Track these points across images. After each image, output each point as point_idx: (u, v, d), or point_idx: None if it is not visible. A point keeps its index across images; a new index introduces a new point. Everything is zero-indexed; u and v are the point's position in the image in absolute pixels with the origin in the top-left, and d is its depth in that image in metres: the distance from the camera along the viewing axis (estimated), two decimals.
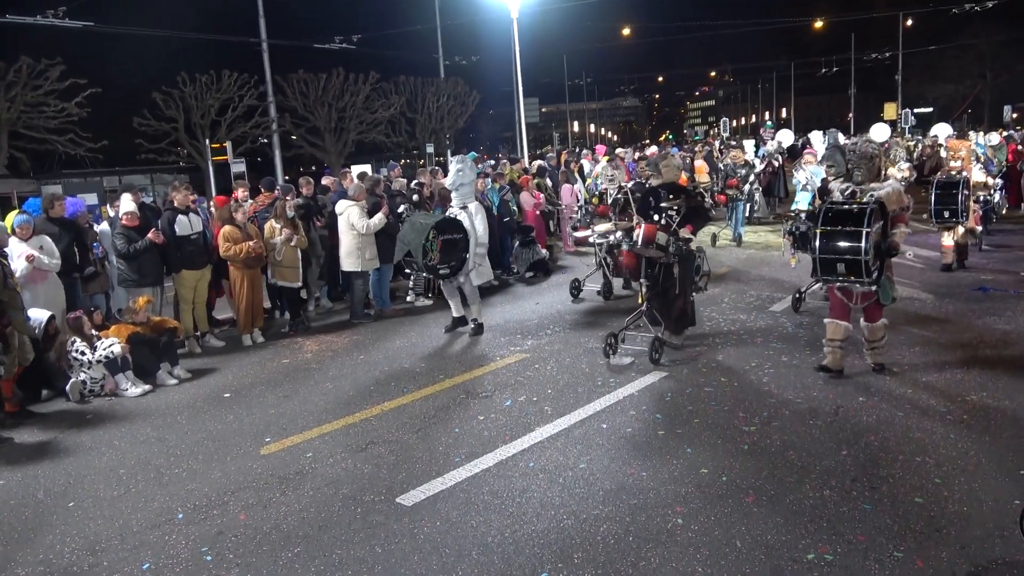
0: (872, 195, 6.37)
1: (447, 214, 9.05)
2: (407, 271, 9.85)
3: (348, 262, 9.90)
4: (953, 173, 10.66)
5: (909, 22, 49.11)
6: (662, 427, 5.75)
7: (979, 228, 11.71)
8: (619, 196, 9.37)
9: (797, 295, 8.97)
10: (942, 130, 18.89)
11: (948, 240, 10.70)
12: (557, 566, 3.99)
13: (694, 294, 8.19)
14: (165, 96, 22.42)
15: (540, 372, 7.36)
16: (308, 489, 5.13)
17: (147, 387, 7.68)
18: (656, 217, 7.47)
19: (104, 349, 7.55)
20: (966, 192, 10.34)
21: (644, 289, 7.53)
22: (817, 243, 6.21)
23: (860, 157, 6.65)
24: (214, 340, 9.44)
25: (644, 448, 5.39)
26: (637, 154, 23.31)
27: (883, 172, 6.51)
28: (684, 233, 7.40)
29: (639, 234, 7.33)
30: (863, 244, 5.94)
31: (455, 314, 9.22)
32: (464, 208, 8.95)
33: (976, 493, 4.43)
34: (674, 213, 7.46)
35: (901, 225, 6.52)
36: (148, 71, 29.14)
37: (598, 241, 10.68)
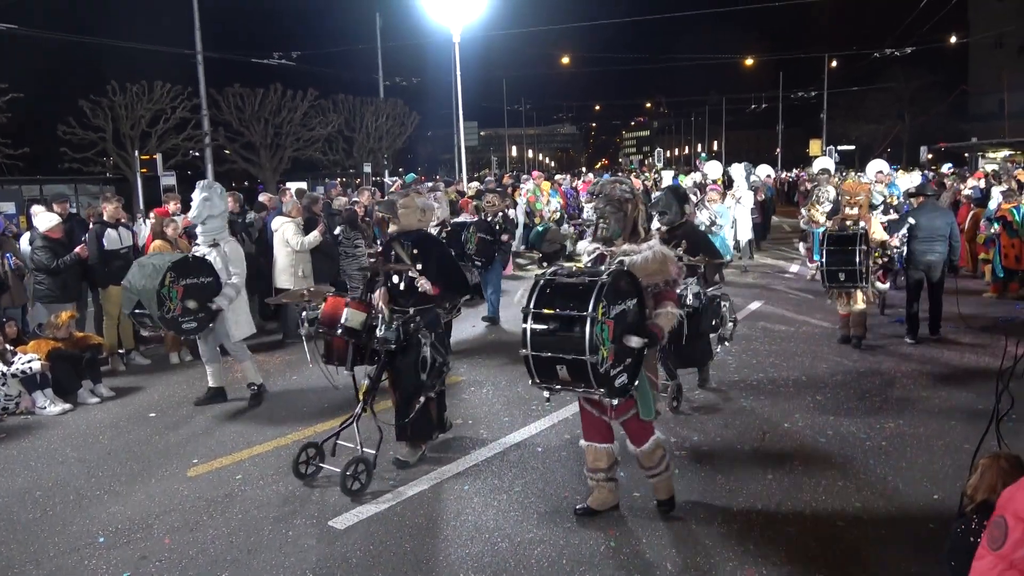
0: (621, 261, 4.36)
1: (193, 252, 7.34)
2: (139, 328, 7.90)
3: (282, 279, 9.76)
4: (848, 224, 8.55)
5: (834, 63, 51.41)
6: None
7: (884, 286, 9.69)
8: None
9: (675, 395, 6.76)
10: (883, 167, 17.69)
11: (845, 308, 8.77)
12: None
13: (434, 393, 5.73)
14: (93, 105, 21.72)
15: (475, 395, 7.38)
16: (237, 512, 5.01)
17: (67, 406, 7.38)
18: (396, 280, 5.65)
19: (22, 364, 7.24)
20: (864, 248, 8.23)
21: (363, 384, 5.55)
22: (528, 332, 4.15)
23: (606, 202, 4.62)
24: (140, 358, 9.15)
25: (578, 471, 5.43)
26: (575, 181, 23.69)
27: (642, 227, 4.67)
28: (424, 284, 5.50)
29: (321, 310, 5.45)
30: (587, 337, 3.88)
31: (212, 383, 7.42)
32: (215, 246, 7.19)
33: (893, 517, 4.63)
34: (417, 274, 5.55)
35: (668, 305, 4.47)
36: (76, 78, 28.29)
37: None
